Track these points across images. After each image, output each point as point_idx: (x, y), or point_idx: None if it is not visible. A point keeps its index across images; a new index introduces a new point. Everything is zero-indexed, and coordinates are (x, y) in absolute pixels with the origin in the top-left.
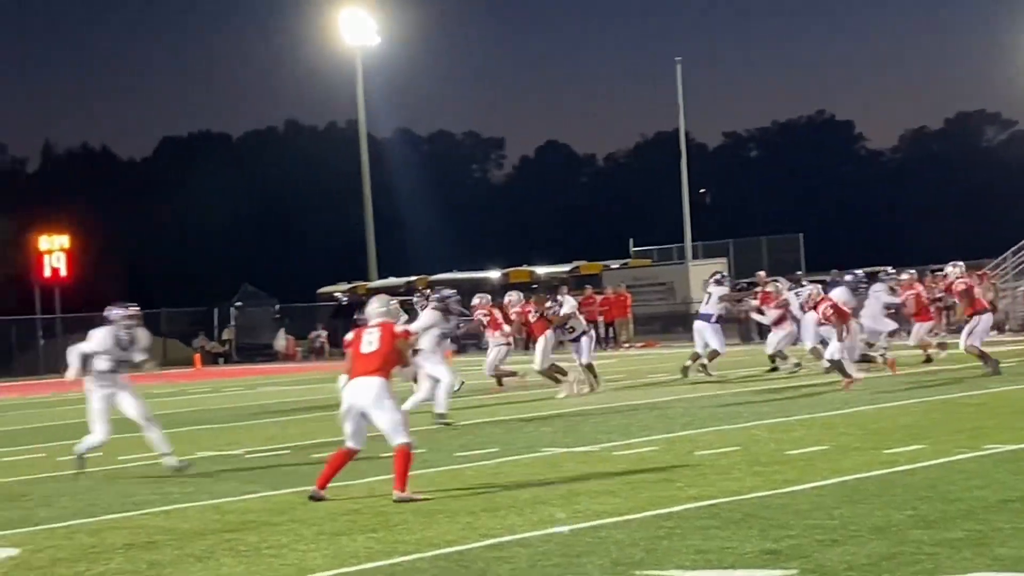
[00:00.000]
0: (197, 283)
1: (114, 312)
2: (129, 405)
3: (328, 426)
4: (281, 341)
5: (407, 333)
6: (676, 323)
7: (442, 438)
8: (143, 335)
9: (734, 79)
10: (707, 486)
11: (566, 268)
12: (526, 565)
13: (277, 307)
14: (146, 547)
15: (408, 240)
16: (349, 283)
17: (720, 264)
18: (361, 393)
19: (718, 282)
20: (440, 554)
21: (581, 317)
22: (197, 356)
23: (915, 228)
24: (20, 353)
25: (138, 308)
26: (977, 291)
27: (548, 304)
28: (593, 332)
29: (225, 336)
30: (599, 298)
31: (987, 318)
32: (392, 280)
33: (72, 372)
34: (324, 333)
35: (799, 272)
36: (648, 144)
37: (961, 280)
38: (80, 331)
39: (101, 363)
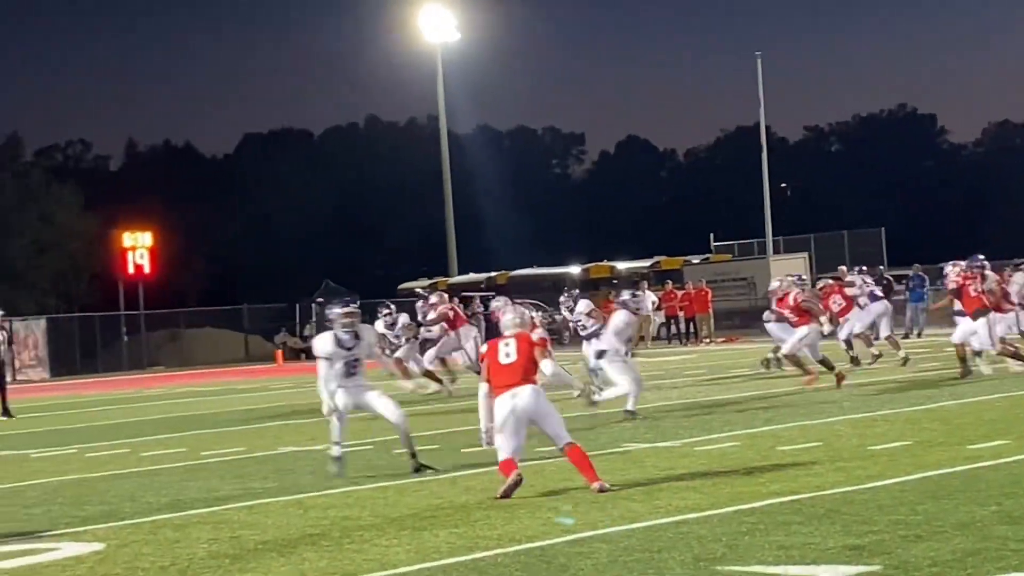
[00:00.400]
0: (279, 279)
1: (333, 312)
2: (379, 404)
3: (412, 421)
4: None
5: (544, 342)
6: (757, 318)
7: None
8: (367, 330)
9: (815, 73)
10: (789, 481)
11: (646, 263)
12: (607, 560)
13: (358, 303)
14: (229, 541)
15: (488, 236)
16: (430, 279)
17: (801, 259)
18: (524, 402)
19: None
20: (522, 549)
21: (593, 318)
22: (279, 352)
23: (998, 222)
24: (104, 349)
25: (356, 304)
26: (971, 289)
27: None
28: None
29: (307, 332)
30: (680, 293)
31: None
32: (472, 276)
33: (326, 407)
34: None
35: (880, 267)
36: (729, 139)
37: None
38: (163, 327)
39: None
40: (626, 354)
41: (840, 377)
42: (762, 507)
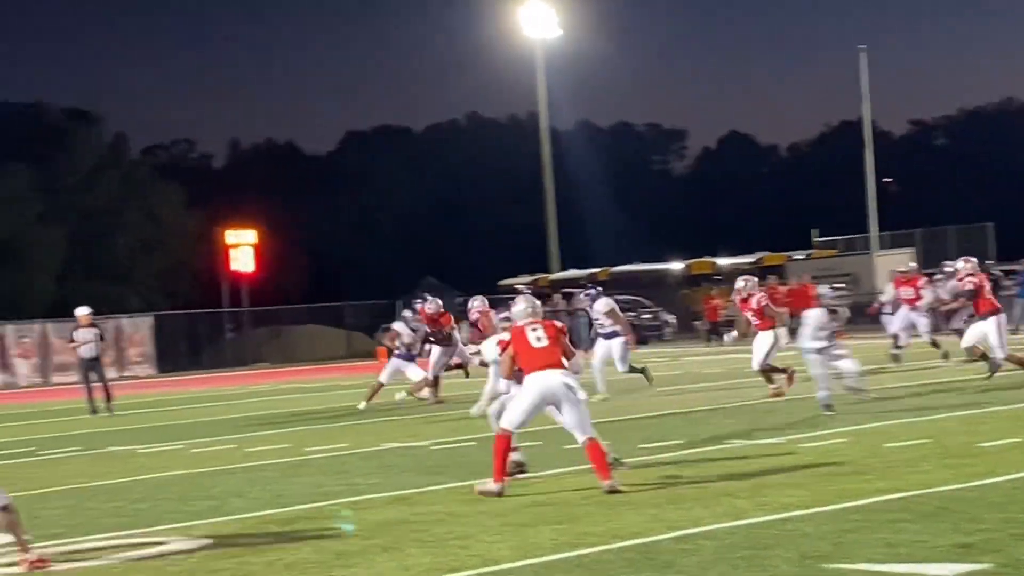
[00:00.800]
0: (381, 276)
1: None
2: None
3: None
4: (464, 333)
5: (566, 328)
6: (861, 314)
7: (625, 430)
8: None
9: (919, 66)
10: (896, 479)
11: (749, 259)
12: (712, 557)
13: (459, 300)
14: (335, 537)
15: (589, 232)
16: (531, 275)
17: (906, 254)
18: (556, 384)
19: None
20: (626, 546)
21: (610, 319)
22: (381, 348)
23: None
24: (208, 346)
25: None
26: (987, 290)
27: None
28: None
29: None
30: (783, 289)
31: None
32: (573, 272)
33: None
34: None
35: (988, 261)
36: (832, 133)
37: (970, 278)
38: (265, 324)
39: None
40: (826, 350)
41: (779, 392)
42: (868, 504)
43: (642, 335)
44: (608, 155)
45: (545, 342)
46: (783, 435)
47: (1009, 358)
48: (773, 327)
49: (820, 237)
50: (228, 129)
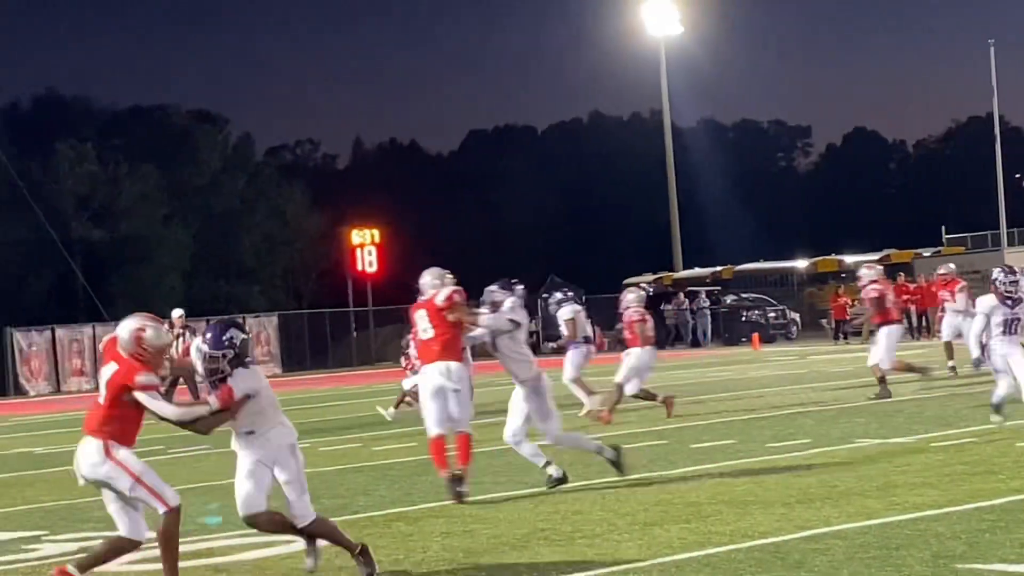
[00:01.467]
0: (504, 275)
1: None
2: None
3: (646, 415)
4: (588, 332)
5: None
6: None
7: (753, 429)
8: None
9: None
10: None
11: (875, 256)
12: (843, 557)
13: (583, 298)
14: (462, 535)
15: (713, 230)
16: (654, 273)
17: None
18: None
19: None
20: (755, 545)
21: (567, 328)
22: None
23: None
24: (334, 345)
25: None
26: (890, 299)
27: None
28: (589, 347)
29: (532, 327)
30: (911, 286)
31: (897, 329)
32: (697, 271)
33: None
34: None
35: None
36: (960, 129)
37: (873, 286)
38: (389, 323)
39: None
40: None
41: (668, 404)
42: (1003, 504)
43: (769, 334)
44: (732, 153)
45: (431, 333)
46: (914, 434)
47: (895, 366)
48: (641, 346)
49: (949, 233)
50: (351, 129)
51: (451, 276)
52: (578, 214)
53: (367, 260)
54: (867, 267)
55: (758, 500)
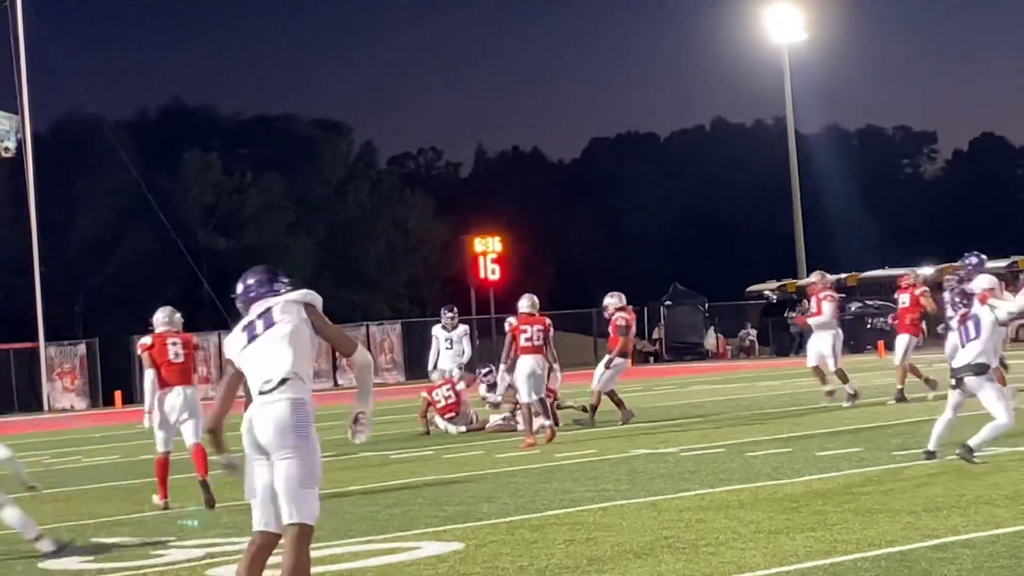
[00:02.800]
0: (628, 282)
1: None
2: None
3: (768, 424)
4: (711, 340)
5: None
6: None
7: (879, 437)
8: None
9: None
10: None
11: (1003, 263)
12: (971, 567)
13: (706, 305)
14: (586, 543)
15: (836, 237)
16: (778, 281)
17: None
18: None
19: None
20: (881, 554)
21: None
22: None
23: None
24: None
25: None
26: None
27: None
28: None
29: (655, 335)
30: None
31: (621, 361)
32: None
33: None
34: (753, 332)
35: None
36: None
37: (621, 314)
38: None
39: None
40: None
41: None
42: None
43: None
44: (856, 159)
45: (182, 358)
46: None
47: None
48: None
49: None
50: (474, 137)
51: None
52: (700, 221)
53: (489, 268)
54: (610, 295)
55: (884, 508)
